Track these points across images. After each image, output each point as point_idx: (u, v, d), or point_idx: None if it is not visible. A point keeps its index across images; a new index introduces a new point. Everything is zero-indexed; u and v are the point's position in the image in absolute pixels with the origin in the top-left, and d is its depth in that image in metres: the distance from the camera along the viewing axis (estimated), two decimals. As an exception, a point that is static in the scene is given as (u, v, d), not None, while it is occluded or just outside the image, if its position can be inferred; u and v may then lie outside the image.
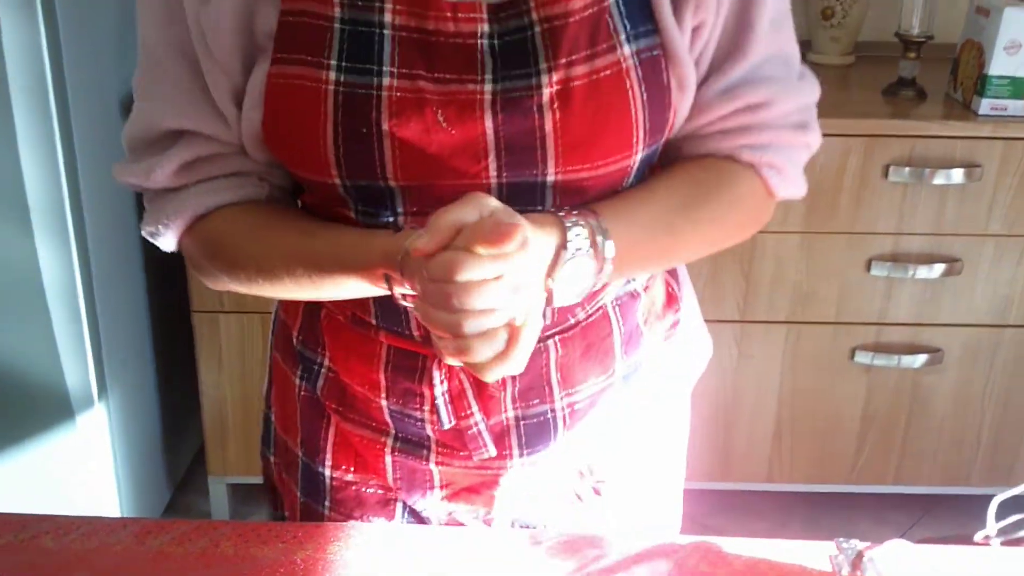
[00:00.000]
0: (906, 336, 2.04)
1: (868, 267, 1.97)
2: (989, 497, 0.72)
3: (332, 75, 0.74)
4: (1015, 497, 0.75)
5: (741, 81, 0.82)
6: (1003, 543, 0.74)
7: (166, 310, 2.12)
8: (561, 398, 0.89)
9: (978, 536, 0.69)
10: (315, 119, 0.75)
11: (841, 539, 0.90)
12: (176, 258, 1.96)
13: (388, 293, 0.75)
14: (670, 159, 0.86)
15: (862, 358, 2.04)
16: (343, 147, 0.75)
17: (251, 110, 0.79)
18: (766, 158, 0.84)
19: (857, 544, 0.89)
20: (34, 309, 1.70)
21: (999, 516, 0.73)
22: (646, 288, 0.93)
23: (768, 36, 0.81)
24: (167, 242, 0.88)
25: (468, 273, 0.65)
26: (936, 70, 2.09)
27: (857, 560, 0.87)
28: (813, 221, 1.93)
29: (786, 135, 0.85)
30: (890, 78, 2.03)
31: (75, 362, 1.76)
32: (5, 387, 1.76)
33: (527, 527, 0.96)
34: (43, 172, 1.63)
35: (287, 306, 0.98)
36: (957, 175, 1.88)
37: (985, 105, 1.88)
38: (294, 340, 0.96)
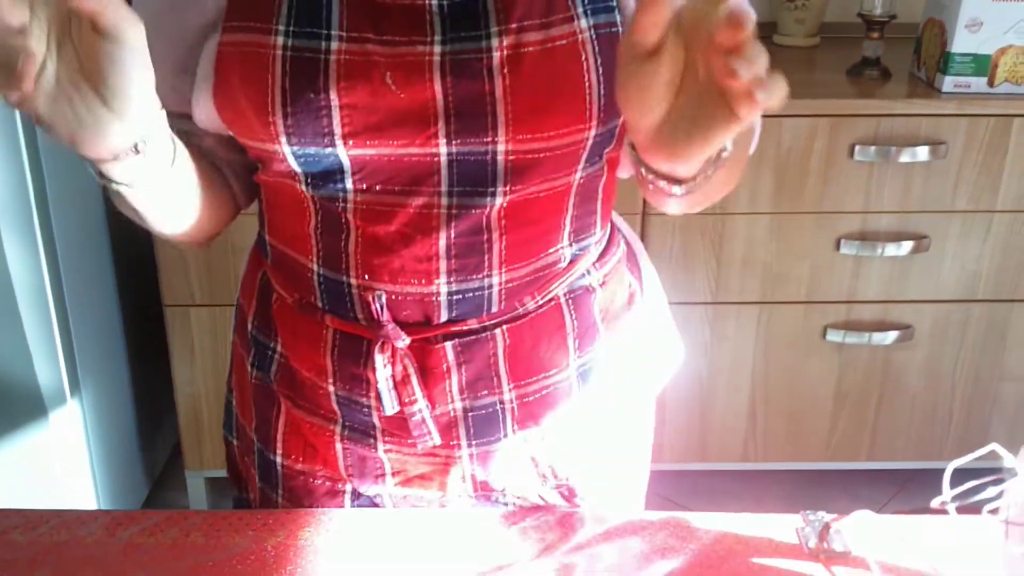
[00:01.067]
0: (876, 313, 2.06)
1: (837, 246, 1.99)
2: (962, 471, 0.73)
3: (280, 40, 0.75)
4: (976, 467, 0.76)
5: None
6: (958, 509, 0.75)
7: (137, 305, 2.11)
8: (510, 390, 0.88)
9: (934, 503, 0.70)
10: (263, 84, 0.75)
11: (808, 511, 0.91)
12: (146, 253, 1.97)
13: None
14: None
15: (833, 336, 2.06)
16: (291, 113, 0.75)
17: (203, 80, 0.79)
18: None
19: (824, 516, 0.90)
20: (3, 308, 1.69)
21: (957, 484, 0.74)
22: (602, 284, 0.92)
23: None
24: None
25: None
26: (899, 49, 2.11)
27: (824, 531, 0.88)
28: (782, 201, 1.95)
29: None
30: (854, 58, 2.04)
31: (47, 360, 1.75)
32: (-24, 387, 1.75)
33: (489, 495, 0.96)
34: (8, 170, 1.61)
35: (244, 291, 0.98)
36: (922, 152, 1.90)
37: (948, 83, 1.90)
38: (249, 325, 0.96)
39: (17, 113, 1.59)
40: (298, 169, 0.79)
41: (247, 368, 0.97)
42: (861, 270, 2.01)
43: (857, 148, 1.90)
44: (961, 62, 1.89)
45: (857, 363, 2.10)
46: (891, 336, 2.06)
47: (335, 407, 0.90)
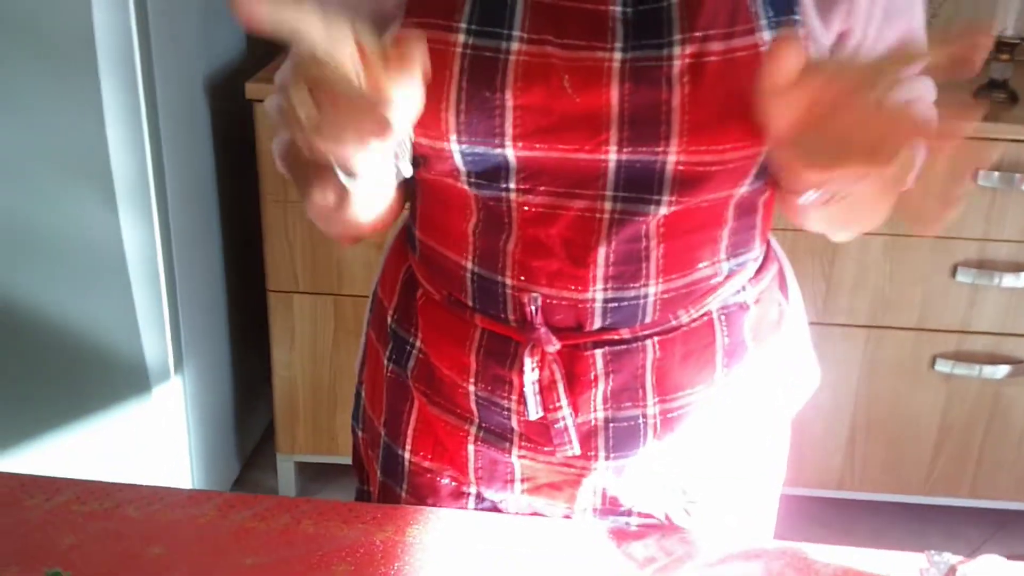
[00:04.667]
0: (989, 345, 1.98)
1: (953, 273, 1.92)
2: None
3: (461, 37, 0.75)
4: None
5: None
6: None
7: (242, 288, 2.15)
8: (654, 404, 0.87)
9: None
10: (440, 81, 0.74)
11: (933, 552, 0.87)
12: (254, 237, 2.00)
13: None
14: None
15: (942, 366, 1.99)
16: (465, 111, 0.75)
17: None
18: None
19: (949, 558, 0.86)
20: (116, 282, 1.73)
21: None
22: (757, 301, 0.90)
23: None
24: (279, 167, 0.90)
25: None
26: (1031, 73, 2.02)
27: (949, 574, 0.84)
28: (898, 224, 1.87)
29: (927, 112, 0.82)
30: (981, 80, 1.97)
31: (154, 336, 1.79)
32: (86, 357, 1.80)
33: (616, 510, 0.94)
34: (128, 149, 1.65)
35: (384, 285, 0.98)
36: (1050, 181, 1.82)
37: (1083, 110, 1.81)
38: (388, 319, 0.96)
39: (140, 94, 1.62)
40: (463, 167, 0.79)
41: (382, 361, 0.97)
42: (976, 299, 1.94)
43: (980, 173, 1.83)
44: (1099, 89, 1.80)
45: (965, 395, 2.02)
46: (1003, 370, 1.98)
47: (473, 407, 0.89)
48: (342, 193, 0.78)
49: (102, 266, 1.72)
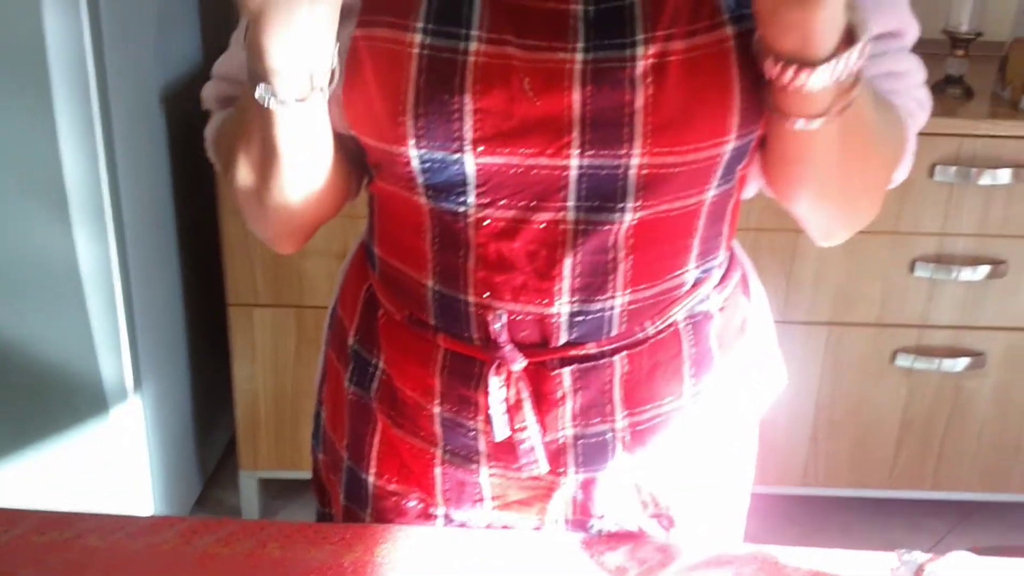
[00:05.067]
0: (948, 339, 2.00)
1: (911, 268, 1.93)
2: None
3: (418, 38, 0.72)
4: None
5: (884, 53, 0.79)
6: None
7: (201, 303, 2.12)
8: (623, 418, 0.85)
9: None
10: (398, 83, 0.73)
11: (903, 550, 0.88)
12: (212, 251, 1.97)
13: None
14: None
15: (903, 361, 2.00)
16: (423, 114, 0.73)
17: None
18: (910, 124, 0.81)
19: (919, 556, 0.86)
20: (71, 300, 1.70)
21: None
22: (721, 308, 0.89)
23: (912, 26, 0.80)
24: (209, 153, 0.90)
25: None
26: (984, 68, 2.04)
27: (918, 572, 0.85)
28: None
29: (916, 108, 0.82)
30: (937, 75, 1.99)
31: (110, 353, 1.76)
32: (41, 377, 1.76)
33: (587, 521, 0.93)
34: (82, 164, 1.62)
35: (344, 303, 0.96)
36: (1004, 175, 1.84)
37: (1035, 104, 1.84)
38: (350, 339, 0.94)
39: (95, 105, 1.59)
40: (420, 177, 0.76)
41: (343, 383, 0.95)
42: (935, 294, 1.96)
43: (937, 168, 1.85)
44: (1049, 84, 1.83)
45: (926, 389, 2.04)
46: (962, 363, 2.00)
47: (437, 430, 0.87)
48: (268, 140, 0.74)
49: (56, 283, 1.68)
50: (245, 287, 1.96)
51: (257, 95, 0.70)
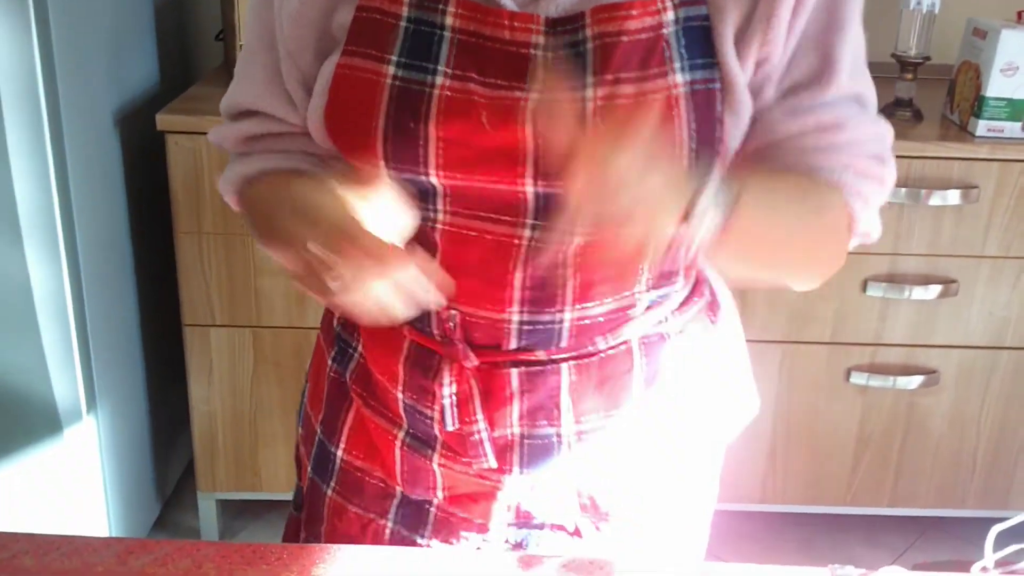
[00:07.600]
0: (902, 357, 2.03)
1: (864, 287, 1.96)
2: (984, 520, 0.71)
3: (391, 69, 0.79)
4: (1013, 525, 0.73)
5: (812, 107, 0.81)
6: (1002, 574, 0.73)
7: (157, 323, 2.10)
8: (570, 423, 0.89)
9: (975, 568, 0.68)
10: (370, 110, 0.79)
11: (836, 565, 0.89)
12: (168, 271, 1.96)
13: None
14: None
15: (857, 379, 2.03)
16: (392, 139, 0.79)
17: (318, 97, 0.84)
18: (848, 181, 0.82)
19: (852, 571, 0.88)
20: (23, 321, 1.68)
21: (996, 546, 0.72)
22: (680, 332, 0.92)
23: (849, 77, 0.81)
24: (230, 200, 0.94)
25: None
26: (933, 91, 2.08)
27: (851, 587, 0.85)
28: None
29: (862, 162, 0.83)
30: (887, 99, 2.02)
31: (64, 375, 1.75)
32: (-8, 400, 1.74)
33: (521, 548, 0.95)
34: (34, 184, 1.61)
35: None
36: (953, 196, 1.88)
37: (982, 127, 1.88)
38: (335, 322, 1.00)
39: (46, 126, 1.59)
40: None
41: (327, 362, 1.01)
42: (888, 313, 1.98)
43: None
44: (995, 106, 1.86)
45: (881, 407, 2.07)
46: (916, 380, 2.03)
47: (402, 412, 0.93)
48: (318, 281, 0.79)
49: (7, 305, 1.67)
50: (201, 307, 1.95)
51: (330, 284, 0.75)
